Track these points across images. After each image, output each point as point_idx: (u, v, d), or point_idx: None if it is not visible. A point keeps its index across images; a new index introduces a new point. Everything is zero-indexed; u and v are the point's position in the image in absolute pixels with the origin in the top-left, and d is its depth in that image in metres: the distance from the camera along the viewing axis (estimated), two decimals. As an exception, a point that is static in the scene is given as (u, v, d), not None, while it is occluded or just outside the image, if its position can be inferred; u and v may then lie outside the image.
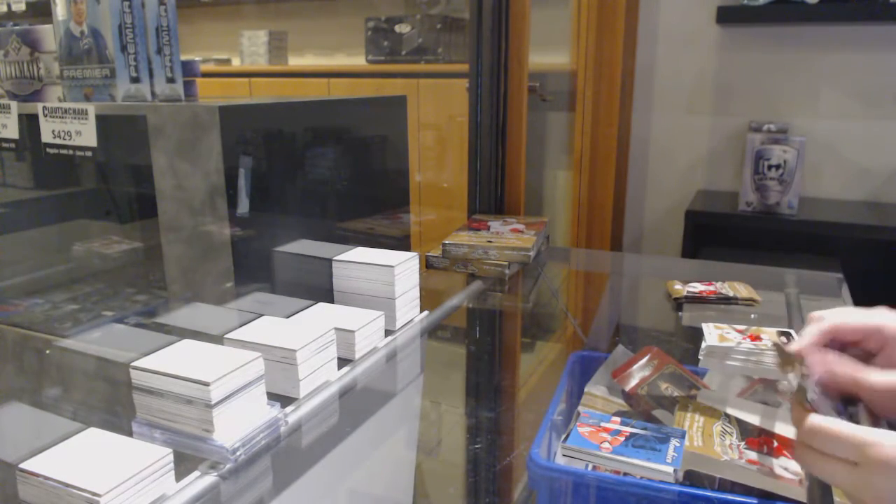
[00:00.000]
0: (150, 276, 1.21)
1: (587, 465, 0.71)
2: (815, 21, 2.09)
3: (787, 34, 2.18)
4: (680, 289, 1.25)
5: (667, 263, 1.92)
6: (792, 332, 1.00)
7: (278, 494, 0.69)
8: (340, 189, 1.14)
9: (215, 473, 0.67)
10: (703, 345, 0.99)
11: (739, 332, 1.02)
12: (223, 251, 0.91)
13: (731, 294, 1.21)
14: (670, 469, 0.67)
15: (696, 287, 1.26)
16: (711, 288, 1.25)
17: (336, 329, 0.87)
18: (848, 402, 0.60)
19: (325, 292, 1.04)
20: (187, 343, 0.75)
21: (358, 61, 3.01)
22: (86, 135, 0.95)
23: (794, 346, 0.62)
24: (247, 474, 0.68)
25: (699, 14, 2.25)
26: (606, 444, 0.70)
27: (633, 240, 2.54)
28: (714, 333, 1.02)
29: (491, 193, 1.68)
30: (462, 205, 1.74)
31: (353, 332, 0.90)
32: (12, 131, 1.05)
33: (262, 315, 0.88)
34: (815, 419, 0.56)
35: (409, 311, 1.05)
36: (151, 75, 1.01)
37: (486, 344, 1.22)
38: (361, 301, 1.01)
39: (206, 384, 0.66)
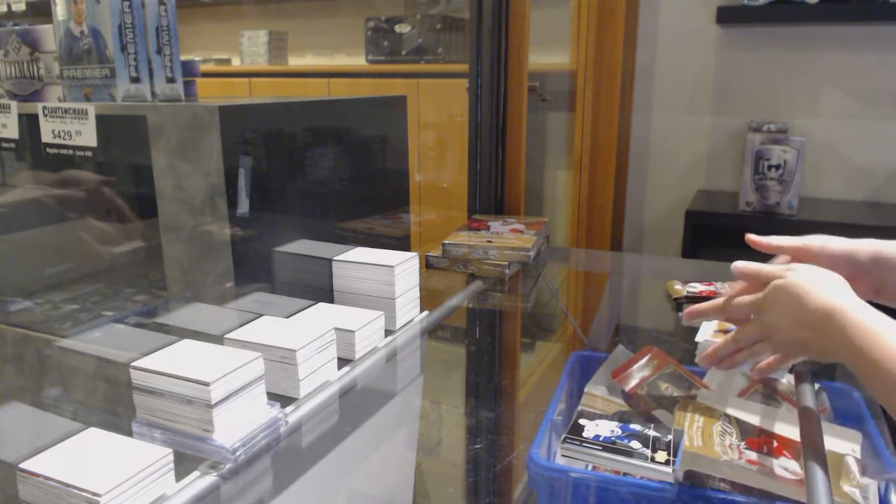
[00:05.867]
0: (150, 276, 1.21)
1: (587, 465, 0.71)
2: (815, 21, 2.09)
3: (787, 34, 2.18)
4: (680, 289, 1.25)
5: (667, 263, 1.92)
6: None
7: (278, 494, 0.69)
8: (340, 189, 1.14)
9: (215, 473, 0.67)
10: (698, 340, 1.00)
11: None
12: (223, 251, 0.91)
13: None
14: (670, 469, 0.67)
15: (696, 287, 1.26)
16: (711, 288, 1.25)
17: (336, 329, 0.87)
18: None
19: (325, 292, 1.04)
20: (187, 343, 0.75)
21: (358, 61, 3.01)
22: (86, 135, 0.95)
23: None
24: (247, 474, 0.68)
25: (699, 14, 2.25)
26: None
27: (633, 240, 2.54)
28: (708, 330, 1.02)
29: (491, 193, 1.68)
30: (462, 205, 1.74)
31: (353, 332, 0.90)
32: (12, 131, 1.05)
33: (262, 315, 0.88)
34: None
35: (409, 311, 1.05)
36: (151, 75, 1.01)
37: (486, 344, 1.22)
38: (361, 301, 1.01)
39: (206, 384, 0.66)
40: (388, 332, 0.99)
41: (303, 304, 0.94)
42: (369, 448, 0.83)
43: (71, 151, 0.97)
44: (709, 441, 0.71)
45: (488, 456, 0.82)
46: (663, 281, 1.33)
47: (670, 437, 0.71)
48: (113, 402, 0.94)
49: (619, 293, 1.52)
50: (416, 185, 2.48)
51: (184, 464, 0.66)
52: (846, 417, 0.78)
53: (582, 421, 0.75)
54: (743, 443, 0.71)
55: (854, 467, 0.69)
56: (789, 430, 0.73)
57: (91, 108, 0.94)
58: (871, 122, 2.13)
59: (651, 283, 1.57)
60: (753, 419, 0.75)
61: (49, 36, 1.06)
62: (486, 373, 1.09)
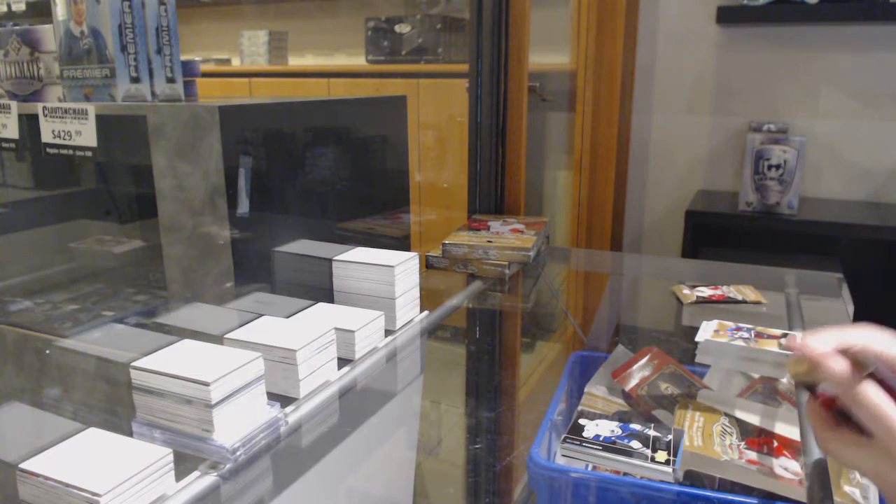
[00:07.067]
0: (150, 276, 1.21)
1: (587, 465, 0.71)
2: (815, 21, 2.09)
3: (787, 34, 2.18)
4: (689, 293, 1.25)
5: (667, 263, 1.92)
6: (798, 335, 1.00)
7: (278, 494, 0.69)
8: (340, 189, 1.14)
9: (215, 473, 0.67)
10: (698, 340, 1.00)
11: (738, 330, 1.02)
12: (223, 251, 0.91)
13: (739, 297, 1.22)
14: (670, 469, 0.67)
15: (704, 292, 1.26)
16: (719, 292, 1.25)
17: (336, 329, 0.87)
18: None
19: (325, 292, 1.04)
20: (187, 343, 0.75)
21: (358, 61, 3.01)
22: (86, 135, 0.95)
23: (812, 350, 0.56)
24: (247, 474, 0.68)
25: (699, 14, 2.25)
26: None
27: (633, 240, 2.54)
28: (709, 328, 1.02)
29: (491, 193, 1.68)
30: (462, 205, 1.74)
31: (353, 332, 0.90)
32: (12, 131, 1.05)
33: (262, 315, 0.88)
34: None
35: (409, 311, 1.05)
36: (151, 75, 1.01)
37: (486, 344, 1.22)
38: (361, 301, 1.01)
39: (206, 384, 0.66)
40: (388, 332, 0.99)
41: (303, 304, 0.94)
42: (369, 448, 0.83)
43: (71, 151, 0.97)
44: (709, 441, 0.71)
45: (488, 456, 0.82)
46: (664, 281, 1.33)
47: (670, 436, 0.71)
48: (113, 402, 0.94)
49: (619, 293, 1.52)
50: (416, 185, 2.48)
51: (184, 464, 0.66)
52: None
53: (582, 421, 0.75)
54: (743, 443, 0.71)
55: (854, 467, 0.69)
56: (789, 430, 0.73)
57: (91, 108, 0.94)
58: (871, 122, 2.13)
59: (651, 283, 1.57)
60: (753, 419, 0.75)
61: (49, 36, 1.06)
62: (486, 373, 1.09)
